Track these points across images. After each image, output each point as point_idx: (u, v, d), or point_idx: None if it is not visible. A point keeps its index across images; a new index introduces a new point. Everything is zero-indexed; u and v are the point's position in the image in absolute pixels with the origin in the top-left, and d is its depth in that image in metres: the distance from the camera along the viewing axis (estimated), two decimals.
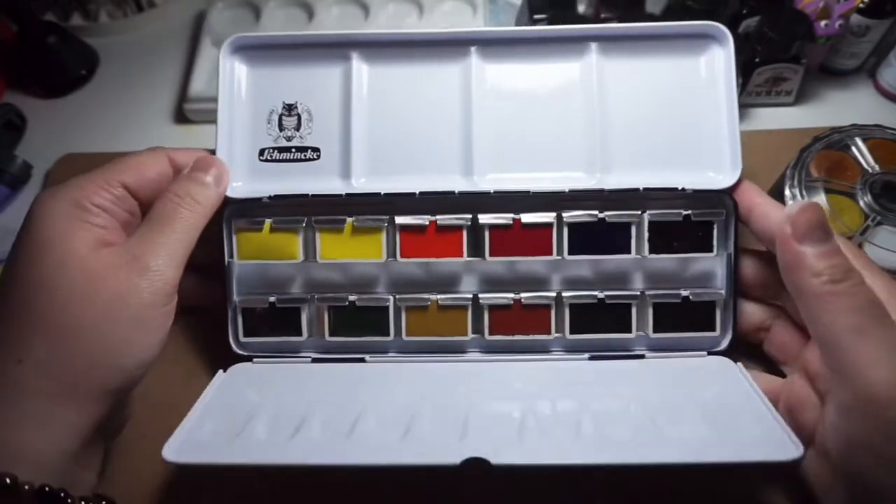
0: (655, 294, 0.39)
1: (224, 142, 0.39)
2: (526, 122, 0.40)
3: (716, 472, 0.37)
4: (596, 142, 0.39)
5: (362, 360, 0.39)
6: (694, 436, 0.32)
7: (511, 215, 0.39)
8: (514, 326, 0.39)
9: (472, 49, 0.40)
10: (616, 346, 0.39)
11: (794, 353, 0.36)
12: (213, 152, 0.40)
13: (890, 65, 0.53)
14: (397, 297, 0.39)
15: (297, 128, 0.40)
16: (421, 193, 0.39)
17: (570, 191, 0.39)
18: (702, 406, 0.34)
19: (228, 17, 0.59)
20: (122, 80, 0.57)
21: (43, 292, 0.30)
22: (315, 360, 0.39)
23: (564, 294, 0.39)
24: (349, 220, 0.39)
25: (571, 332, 0.39)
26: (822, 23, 0.50)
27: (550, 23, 0.50)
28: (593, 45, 0.40)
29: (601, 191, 0.39)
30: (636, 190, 0.38)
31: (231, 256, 0.39)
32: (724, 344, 0.38)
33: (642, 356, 0.39)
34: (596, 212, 0.38)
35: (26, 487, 0.27)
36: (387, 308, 0.39)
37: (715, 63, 0.40)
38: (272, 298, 0.39)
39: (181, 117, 0.54)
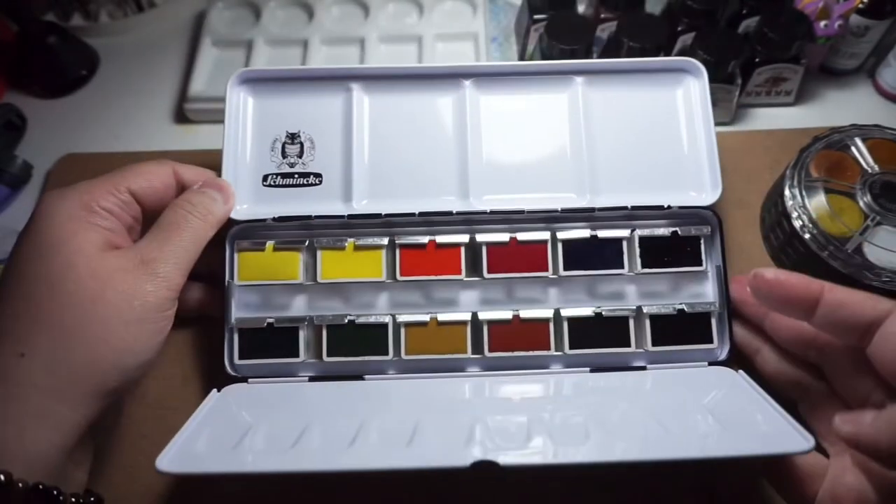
0: (651, 307, 0.39)
1: (230, 168, 0.41)
2: (518, 148, 0.42)
3: (712, 473, 0.37)
4: (584, 165, 0.42)
5: (360, 379, 0.39)
6: (703, 433, 0.32)
7: (507, 234, 0.40)
8: (514, 343, 0.39)
9: (466, 82, 0.42)
10: (616, 360, 0.39)
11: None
12: (212, 153, 0.40)
13: (889, 65, 0.53)
14: (396, 315, 0.39)
15: (300, 155, 0.42)
16: (420, 213, 0.40)
17: (563, 210, 0.40)
18: (708, 407, 0.34)
19: (228, 17, 0.59)
20: (123, 80, 0.57)
21: (49, 290, 0.30)
22: (312, 379, 0.39)
23: (562, 310, 0.39)
24: (350, 240, 0.40)
25: (571, 348, 0.39)
26: (822, 23, 0.50)
27: (550, 22, 0.50)
28: (578, 79, 0.43)
29: (591, 209, 0.40)
30: (624, 208, 0.40)
31: (231, 277, 0.39)
32: (723, 355, 0.39)
33: (643, 368, 0.39)
34: (588, 230, 0.40)
35: (20, 485, 0.27)
36: (386, 326, 0.39)
37: (691, 93, 0.43)
38: (270, 319, 0.39)
39: (181, 117, 0.54)
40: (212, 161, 0.40)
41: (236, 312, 0.40)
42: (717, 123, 0.51)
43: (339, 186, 0.41)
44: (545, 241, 0.40)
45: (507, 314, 0.39)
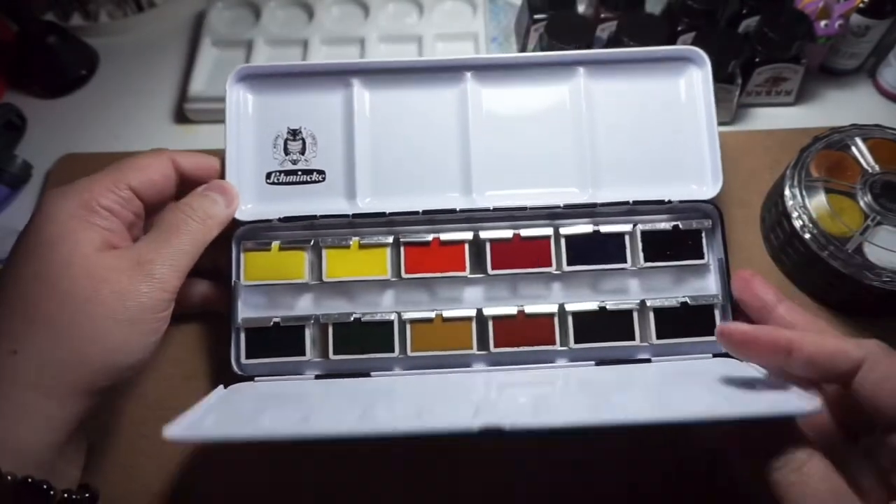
0: (654, 300, 0.39)
1: (233, 166, 0.40)
2: (520, 142, 0.42)
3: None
4: (587, 159, 0.42)
5: (367, 376, 0.39)
6: (709, 398, 0.32)
7: (510, 230, 0.40)
8: (519, 338, 0.39)
9: (468, 74, 0.42)
10: (621, 353, 0.39)
11: None
12: (213, 153, 0.40)
13: (890, 65, 0.53)
14: (402, 313, 0.39)
15: (302, 151, 0.42)
16: (424, 212, 0.40)
17: (565, 205, 0.40)
18: (714, 382, 0.34)
19: (228, 17, 0.59)
20: (122, 80, 0.57)
21: (45, 288, 0.31)
22: (319, 377, 0.39)
23: (566, 304, 0.39)
24: (355, 238, 0.40)
25: (576, 342, 0.39)
26: (822, 23, 0.50)
27: (550, 22, 0.50)
28: (581, 69, 0.42)
29: (593, 205, 0.40)
30: (626, 203, 0.40)
31: (238, 277, 0.39)
32: None
33: (648, 360, 0.39)
34: (590, 225, 0.40)
35: (9, 478, 0.28)
36: (391, 323, 0.39)
37: (694, 84, 0.42)
38: (276, 318, 0.39)
39: (181, 117, 0.54)
40: None
41: (242, 312, 0.39)
42: (717, 123, 0.52)
43: (342, 183, 0.41)
44: (548, 237, 0.40)
45: (511, 310, 0.39)
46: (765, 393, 0.31)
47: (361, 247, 0.40)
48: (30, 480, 0.28)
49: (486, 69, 0.42)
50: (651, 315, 0.39)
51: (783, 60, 0.50)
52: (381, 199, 0.41)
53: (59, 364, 0.30)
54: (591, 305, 0.39)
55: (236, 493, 0.37)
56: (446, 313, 0.39)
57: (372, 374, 0.39)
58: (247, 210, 0.41)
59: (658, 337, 0.39)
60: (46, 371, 0.30)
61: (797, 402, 0.29)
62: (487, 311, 0.39)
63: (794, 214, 0.42)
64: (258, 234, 0.40)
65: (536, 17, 0.53)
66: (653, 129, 0.42)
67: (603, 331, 0.39)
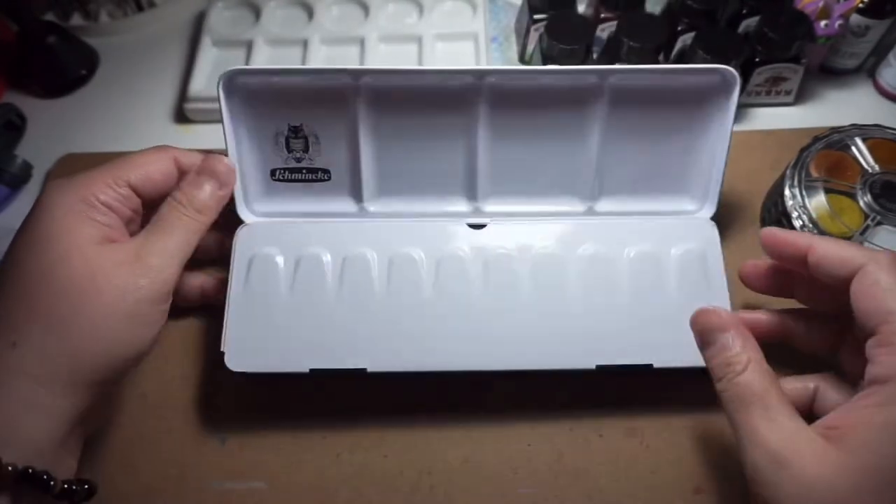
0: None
1: (235, 165, 0.40)
2: (528, 154, 0.41)
3: None
4: (592, 172, 0.41)
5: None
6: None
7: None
8: None
9: (479, 101, 0.40)
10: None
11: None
12: (214, 153, 0.40)
13: (890, 65, 0.53)
14: None
15: (305, 150, 0.41)
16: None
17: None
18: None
19: (228, 17, 0.59)
20: (123, 80, 0.57)
21: (44, 281, 0.31)
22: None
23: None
24: None
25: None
26: (822, 23, 0.50)
27: (550, 22, 0.50)
28: (599, 104, 0.40)
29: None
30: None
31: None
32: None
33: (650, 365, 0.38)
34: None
35: (10, 468, 0.28)
36: None
37: (719, 105, 0.40)
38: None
39: (181, 117, 0.54)
40: None
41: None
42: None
43: (347, 183, 0.42)
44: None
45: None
46: None
47: None
48: (31, 471, 0.28)
49: (499, 97, 0.40)
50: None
51: (783, 60, 0.50)
52: (387, 202, 0.42)
53: (58, 357, 0.30)
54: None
55: (236, 492, 0.37)
56: None
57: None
58: (255, 209, 0.41)
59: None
60: (46, 363, 0.30)
61: None
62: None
63: (794, 214, 0.42)
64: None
65: (536, 17, 0.53)
66: (663, 146, 0.41)
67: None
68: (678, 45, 0.52)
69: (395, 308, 0.39)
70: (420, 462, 0.38)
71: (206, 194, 0.36)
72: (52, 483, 0.29)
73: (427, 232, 0.41)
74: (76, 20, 0.59)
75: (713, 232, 0.40)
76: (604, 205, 0.42)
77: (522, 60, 0.56)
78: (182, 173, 0.38)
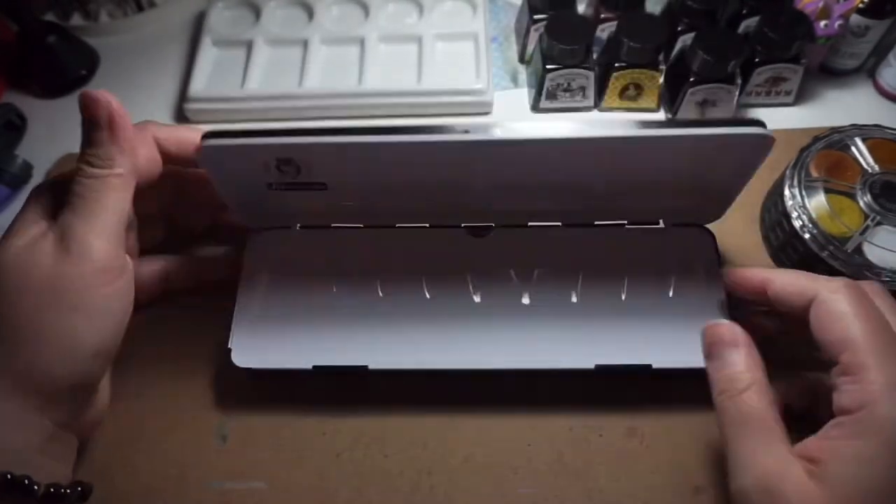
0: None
1: (232, 200, 0.39)
2: (531, 175, 0.38)
3: None
4: (599, 192, 0.40)
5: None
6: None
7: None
8: None
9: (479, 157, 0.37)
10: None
11: None
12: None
13: (890, 65, 0.53)
14: None
15: (297, 173, 0.37)
16: (431, 226, 0.42)
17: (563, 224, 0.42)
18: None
19: (228, 17, 0.59)
20: (123, 80, 0.57)
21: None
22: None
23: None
24: None
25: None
26: (822, 23, 0.50)
27: (550, 22, 0.50)
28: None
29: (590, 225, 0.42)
30: (621, 224, 0.42)
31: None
32: None
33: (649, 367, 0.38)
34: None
35: None
36: None
37: (748, 155, 0.36)
38: None
39: (181, 117, 0.54)
40: None
41: None
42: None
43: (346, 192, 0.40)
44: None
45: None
46: None
47: None
48: (9, 476, 0.27)
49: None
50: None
51: (783, 60, 0.50)
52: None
53: (11, 365, 0.29)
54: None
55: (236, 492, 0.37)
56: None
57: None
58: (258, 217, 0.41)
59: None
60: (16, 379, 0.29)
61: None
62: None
63: (794, 214, 0.42)
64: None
65: (536, 17, 0.53)
66: (686, 177, 0.38)
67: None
68: (678, 45, 0.52)
69: (397, 308, 0.39)
70: (420, 462, 0.38)
71: (99, 142, 0.31)
72: (34, 487, 0.28)
73: (428, 236, 0.41)
74: (76, 20, 0.59)
75: (710, 236, 0.41)
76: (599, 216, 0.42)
77: (522, 60, 0.56)
78: (166, 155, 0.34)
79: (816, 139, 0.44)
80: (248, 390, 0.40)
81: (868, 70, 0.55)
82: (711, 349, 0.32)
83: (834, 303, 0.30)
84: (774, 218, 0.44)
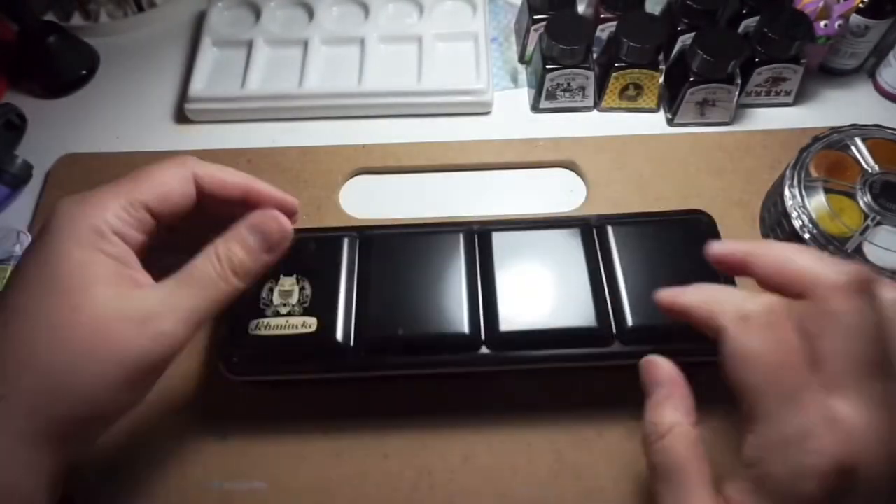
0: None
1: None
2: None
3: None
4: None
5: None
6: None
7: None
8: None
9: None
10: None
11: None
12: (215, 155, 0.39)
13: (889, 65, 0.53)
14: None
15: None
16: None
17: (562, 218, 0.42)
18: None
19: (228, 17, 0.59)
20: (123, 80, 0.57)
21: (47, 332, 0.28)
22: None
23: None
24: None
25: None
26: (822, 23, 0.50)
27: (550, 22, 0.50)
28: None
29: (588, 225, 0.40)
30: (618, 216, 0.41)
31: None
32: None
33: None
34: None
35: None
36: None
37: None
38: None
39: (181, 117, 0.54)
40: (212, 160, 0.39)
41: None
42: (716, 123, 0.52)
43: None
44: None
45: None
46: None
47: None
48: None
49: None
50: None
51: (783, 60, 0.50)
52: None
53: (46, 415, 0.28)
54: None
55: (236, 492, 0.37)
56: None
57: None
58: None
59: None
60: (32, 420, 0.28)
61: None
62: None
63: (794, 214, 0.42)
64: None
65: (536, 17, 0.53)
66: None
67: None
68: (678, 45, 0.52)
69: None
70: (420, 462, 0.38)
71: (249, 257, 0.31)
72: None
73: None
74: (76, 20, 0.59)
75: (714, 227, 0.40)
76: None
77: (522, 60, 0.56)
78: (201, 193, 0.34)
79: (816, 139, 0.44)
80: (249, 390, 0.40)
81: (868, 70, 0.55)
82: (645, 389, 0.30)
83: (740, 341, 0.26)
84: (774, 218, 0.44)
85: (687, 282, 0.37)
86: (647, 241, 0.38)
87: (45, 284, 0.29)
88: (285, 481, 0.37)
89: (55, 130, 0.54)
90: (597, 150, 0.50)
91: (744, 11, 0.53)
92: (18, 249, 0.45)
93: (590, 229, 0.40)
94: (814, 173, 0.43)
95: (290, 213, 0.34)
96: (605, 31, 0.53)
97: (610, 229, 0.39)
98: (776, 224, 0.44)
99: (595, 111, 0.53)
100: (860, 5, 0.50)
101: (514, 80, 0.56)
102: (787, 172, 0.43)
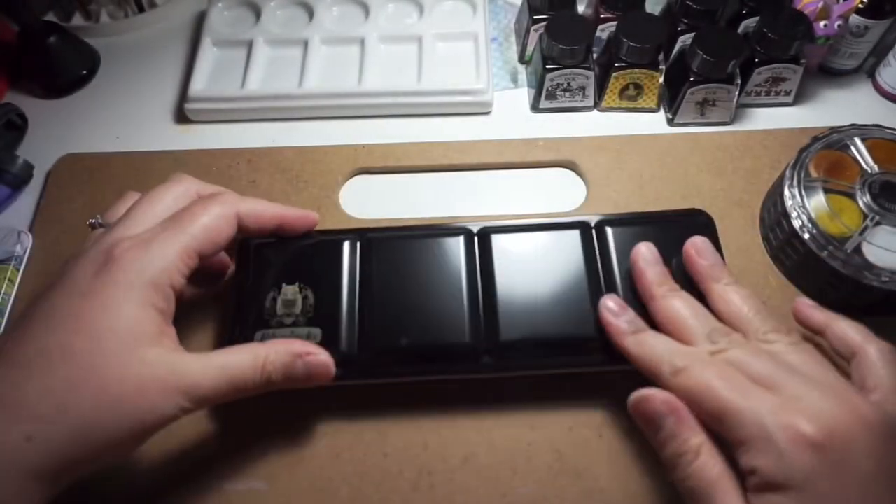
0: None
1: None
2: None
3: None
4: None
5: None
6: None
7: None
8: None
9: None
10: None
11: None
12: (215, 156, 0.39)
13: (889, 65, 0.53)
14: None
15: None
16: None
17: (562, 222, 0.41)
18: None
19: (228, 17, 0.59)
20: (123, 80, 0.57)
21: (87, 378, 0.29)
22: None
23: None
24: None
25: None
26: (822, 23, 0.50)
27: (550, 22, 0.50)
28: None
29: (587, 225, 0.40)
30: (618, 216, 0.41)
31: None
32: None
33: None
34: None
35: None
36: None
37: None
38: None
39: (181, 117, 0.54)
40: (212, 160, 0.40)
41: None
42: (716, 123, 0.52)
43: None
44: None
45: None
46: None
47: None
48: None
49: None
50: None
51: (782, 61, 0.50)
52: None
53: (67, 459, 0.28)
54: None
55: (236, 492, 0.38)
56: None
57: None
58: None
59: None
60: (52, 462, 0.28)
61: None
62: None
63: (794, 214, 0.42)
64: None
65: (536, 17, 0.53)
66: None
67: None
68: (678, 45, 0.52)
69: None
70: (420, 462, 0.38)
71: (286, 380, 0.33)
72: None
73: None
74: (77, 20, 0.59)
75: (712, 226, 0.40)
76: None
77: (522, 60, 0.57)
78: (241, 228, 0.35)
79: (816, 139, 0.44)
80: None
81: (867, 70, 0.55)
82: (647, 426, 0.32)
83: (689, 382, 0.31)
84: (774, 218, 0.44)
85: (687, 281, 0.37)
86: (647, 240, 0.38)
87: (101, 336, 0.29)
88: (285, 481, 0.37)
89: (56, 130, 0.54)
90: (597, 150, 0.50)
91: (744, 11, 0.53)
92: (19, 249, 0.45)
93: (589, 230, 0.40)
94: (813, 173, 0.43)
95: (312, 227, 0.39)
96: (605, 31, 0.53)
97: (609, 230, 0.40)
98: (776, 224, 0.44)
99: (595, 111, 0.53)
100: (860, 5, 0.50)
101: (514, 80, 0.56)
102: (787, 172, 0.43)
